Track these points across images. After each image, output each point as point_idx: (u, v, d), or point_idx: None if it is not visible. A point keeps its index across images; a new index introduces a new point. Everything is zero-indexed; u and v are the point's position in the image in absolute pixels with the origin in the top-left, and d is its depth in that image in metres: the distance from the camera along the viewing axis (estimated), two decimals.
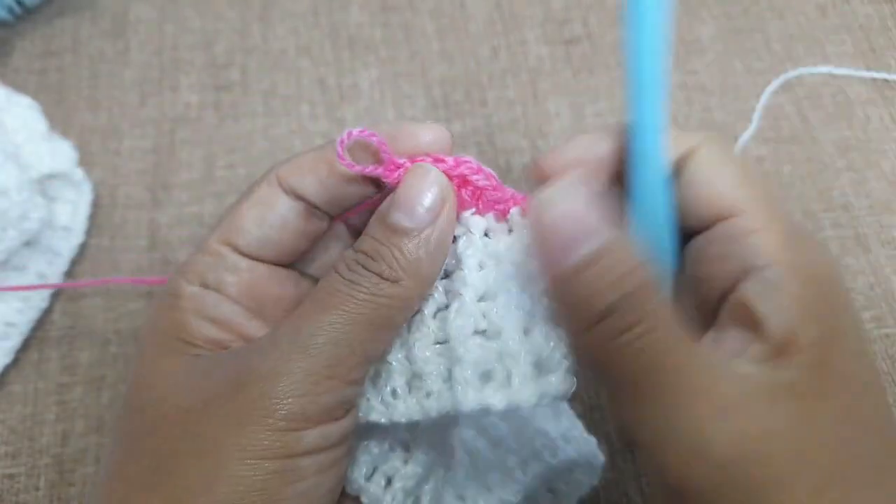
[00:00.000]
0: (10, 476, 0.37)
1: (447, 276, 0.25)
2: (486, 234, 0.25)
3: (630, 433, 0.21)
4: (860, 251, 0.42)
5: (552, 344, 0.23)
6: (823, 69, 0.48)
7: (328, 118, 0.47)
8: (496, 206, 0.25)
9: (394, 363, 0.25)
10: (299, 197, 0.25)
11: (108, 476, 0.23)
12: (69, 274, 0.42)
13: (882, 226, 0.43)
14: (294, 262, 0.27)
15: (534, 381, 0.23)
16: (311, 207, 0.26)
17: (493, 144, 0.46)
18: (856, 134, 0.46)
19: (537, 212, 0.21)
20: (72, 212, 0.42)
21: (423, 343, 0.24)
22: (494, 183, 0.25)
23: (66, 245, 0.42)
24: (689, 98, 0.48)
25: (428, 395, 0.24)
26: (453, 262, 0.25)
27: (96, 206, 0.44)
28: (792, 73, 0.48)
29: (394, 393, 0.24)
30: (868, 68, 0.48)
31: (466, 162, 0.24)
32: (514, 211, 0.25)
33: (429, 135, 0.24)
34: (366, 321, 0.22)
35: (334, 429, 0.22)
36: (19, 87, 0.45)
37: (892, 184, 0.44)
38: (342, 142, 0.24)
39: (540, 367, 0.23)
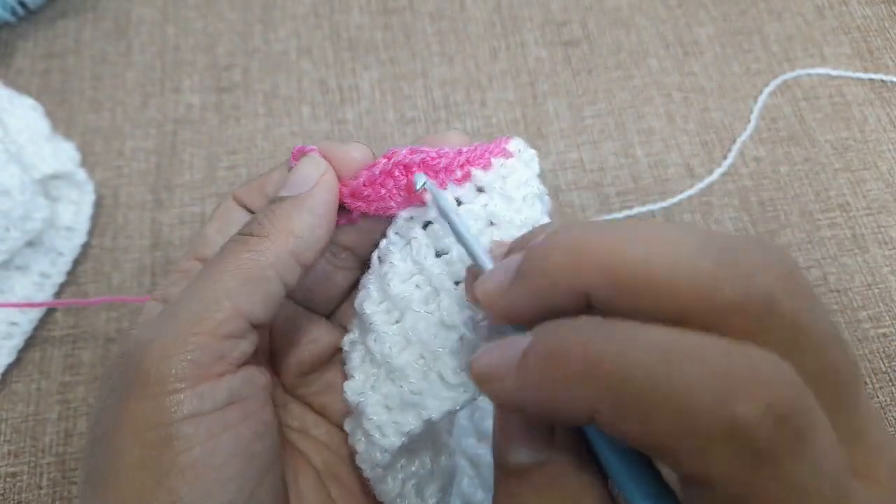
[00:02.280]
0: (13, 475, 0.37)
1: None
2: (458, 202, 0.25)
3: None
4: (858, 251, 0.43)
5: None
6: (821, 70, 0.48)
7: (329, 119, 0.48)
8: (451, 172, 0.24)
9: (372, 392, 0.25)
10: (250, 212, 0.27)
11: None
12: (71, 274, 0.42)
13: (879, 226, 0.43)
14: None
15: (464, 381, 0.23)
16: None
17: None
18: (853, 135, 0.46)
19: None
20: (74, 212, 0.43)
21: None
22: (433, 153, 0.24)
23: (69, 245, 0.42)
24: (687, 99, 0.48)
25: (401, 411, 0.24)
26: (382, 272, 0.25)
27: (99, 206, 0.44)
28: (790, 75, 0.48)
29: (380, 428, 0.24)
30: (865, 69, 0.48)
31: (394, 152, 0.24)
32: (474, 172, 0.25)
33: (357, 153, 0.26)
34: (231, 275, 0.22)
35: (217, 388, 0.21)
36: (22, 88, 0.45)
37: (890, 184, 0.45)
38: (294, 155, 0.26)
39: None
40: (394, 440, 0.23)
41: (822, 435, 0.15)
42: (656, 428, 0.14)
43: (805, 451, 0.14)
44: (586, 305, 0.17)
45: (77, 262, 0.43)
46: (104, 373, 0.25)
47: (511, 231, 0.24)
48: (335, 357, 0.28)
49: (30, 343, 0.40)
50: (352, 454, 0.25)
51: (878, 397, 0.39)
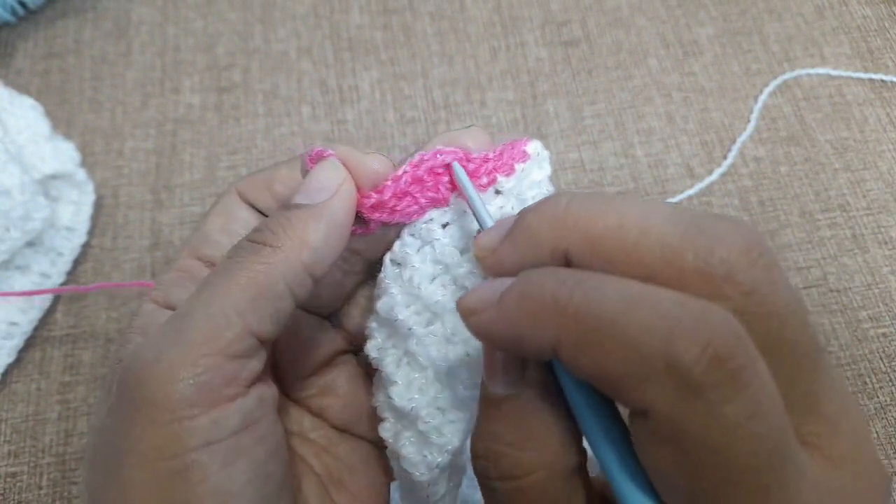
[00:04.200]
0: (13, 475, 0.37)
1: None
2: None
3: None
4: (858, 251, 0.43)
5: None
6: (821, 70, 0.48)
7: (329, 119, 0.48)
8: (478, 178, 0.24)
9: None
10: (259, 210, 0.26)
11: None
12: (71, 274, 0.42)
13: (879, 226, 0.43)
14: None
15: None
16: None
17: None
18: (853, 135, 0.46)
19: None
20: (74, 212, 0.43)
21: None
22: (462, 156, 0.24)
23: (69, 245, 0.42)
24: (687, 99, 0.48)
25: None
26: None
27: (99, 206, 0.44)
28: (789, 75, 0.48)
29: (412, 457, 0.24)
30: (865, 69, 0.48)
31: (422, 157, 0.24)
32: (499, 178, 0.25)
33: (377, 164, 0.24)
34: (241, 290, 0.21)
35: (230, 413, 0.20)
36: (22, 88, 0.46)
37: (890, 184, 0.45)
38: (310, 158, 0.24)
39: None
40: (453, 439, 0.24)
41: (759, 384, 0.16)
42: (607, 362, 0.16)
43: (738, 393, 0.15)
44: (566, 264, 0.19)
45: (77, 262, 0.43)
46: (103, 383, 0.24)
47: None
48: (335, 360, 0.28)
49: (30, 343, 0.40)
50: (363, 461, 0.26)
51: (878, 397, 0.39)
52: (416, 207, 0.24)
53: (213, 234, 0.25)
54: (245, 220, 0.25)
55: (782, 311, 0.17)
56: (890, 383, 0.39)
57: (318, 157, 0.24)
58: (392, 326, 0.25)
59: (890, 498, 0.18)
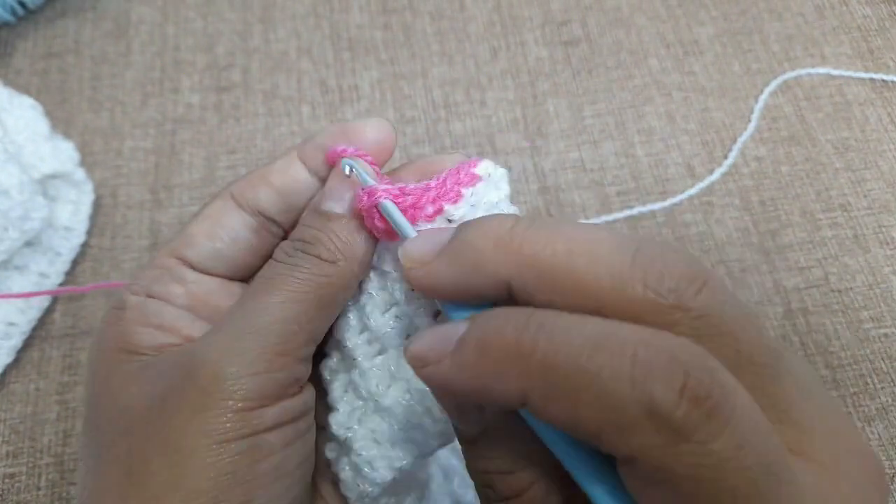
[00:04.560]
0: (12, 475, 0.37)
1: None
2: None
3: None
4: (859, 251, 0.43)
5: None
6: (822, 70, 0.48)
7: (329, 119, 0.48)
8: (422, 209, 0.23)
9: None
10: (256, 211, 0.25)
11: (85, 495, 0.22)
12: (70, 273, 0.42)
13: (880, 226, 0.43)
14: (244, 279, 0.27)
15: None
16: (267, 221, 0.25)
17: (493, 145, 0.46)
18: (854, 134, 0.46)
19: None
20: (73, 212, 0.43)
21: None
22: (396, 191, 0.23)
23: (68, 245, 0.42)
24: (687, 99, 0.48)
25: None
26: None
27: (98, 206, 0.44)
28: (790, 74, 0.48)
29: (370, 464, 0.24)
30: (866, 69, 0.48)
31: (372, 191, 0.23)
32: (446, 207, 0.23)
33: (372, 132, 0.25)
34: (310, 300, 0.22)
35: (294, 403, 0.22)
36: (21, 87, 0.45)
37: (891, 184, 0.45)
38: (329, 158, 0.24)
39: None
40: (385, 474, 0.23)
41: (741, 412, 0.15)
42: (582, 412, 0.16)
43: (723, 428, 0.15)
44: (506, 294, 0.18)
45: (76, 262, 0.43)
46: (90, 371, 0.24)
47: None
48: None
49: (28, 343, 0.40)
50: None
51: (880, 398, 0.39)
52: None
53: (198, 238, 0.25)
54: (233, 227, 0.25)
55: (732, 328, 0.17)
56: (891, 384, 0.39)
57: (337, 157, 0.24)
58: (343, 352, 0.25)
59: (883, 492, 0.18)
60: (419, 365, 0.18)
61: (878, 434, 0.38)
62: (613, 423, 0.15)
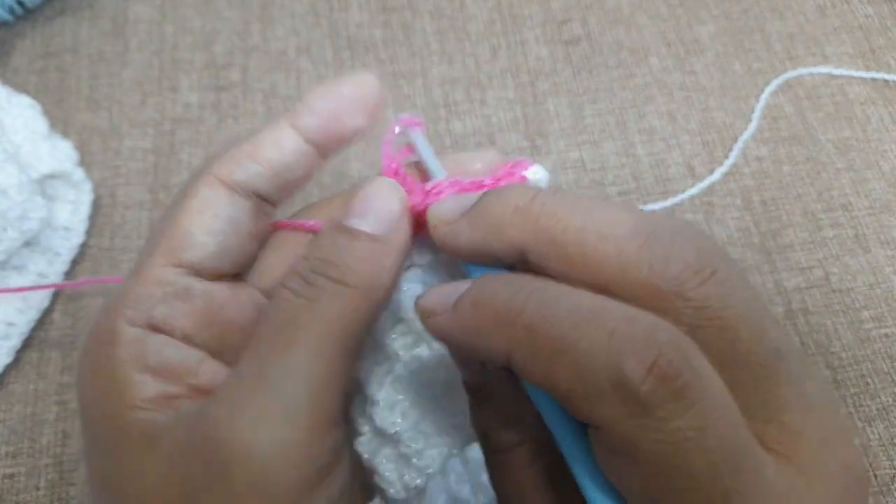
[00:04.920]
0: (11, 476, 0.37)
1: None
2: None
3: None
4: (860, 251, 0.42)
5: None
6: (823, 69, 0.48)
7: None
8: None
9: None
10: (250, 193, 0.22)
11: None
12: (69, 274, 0.42)
13: (882, 226, 0.43)
14: (243, 271, 0.24)
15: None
16: (260, 201, 0.22)
17: (493, 144, 0.46)
18: (855, 134, 0.46)
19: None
20: (72, 212, 0.42)
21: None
22: (465, 184, 0.23)
23: (66, 245, 0.42)
24: (688, 98, 0.48)
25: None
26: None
27: (96, 206, 0.44)
28: (791, 74, 0.48)
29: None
30: (868, 68, 0.48)
31: (436, 185, 0.22)
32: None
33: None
34: (338, 344, 0.20)
35: (339, 473, 0.20)
36: (19, 87, 0.45)
37: (893, 184, 0.44)
38: (394, 127, 0.24)
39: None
40: (434, 463, 0.24)
41: (709, 398, 0.16)
42: (558, 375, 0.16)
43: (687, 409, 0.16)
44: (521, 260, 0.19)
45: (75, 263, 0.42)
46: (83, 419, 0.21)
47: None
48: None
49: (27, 344, 0.40)
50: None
51: (880, 398, 0.38)
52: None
53: (198, 236, 0.21)
54: (232, 216, 0.22)
55: (734, 323, 0.17)
56: (892, 384, 0.39)
57: (405, 126, 0.24)
58: (374, 343, 0.25)
59: (864, 500, 0.18)
60: (424, 316, 0.19)
61: (879, 434, 0.38)
62: (583, 390, 0.16)
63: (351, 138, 0.24)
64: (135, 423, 0.19)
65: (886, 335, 0.40)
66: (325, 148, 0.23)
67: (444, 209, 0.21)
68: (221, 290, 0.22)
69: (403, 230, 0.22)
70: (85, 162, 0.45)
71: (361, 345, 0.22)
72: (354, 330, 0.20)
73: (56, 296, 0.41)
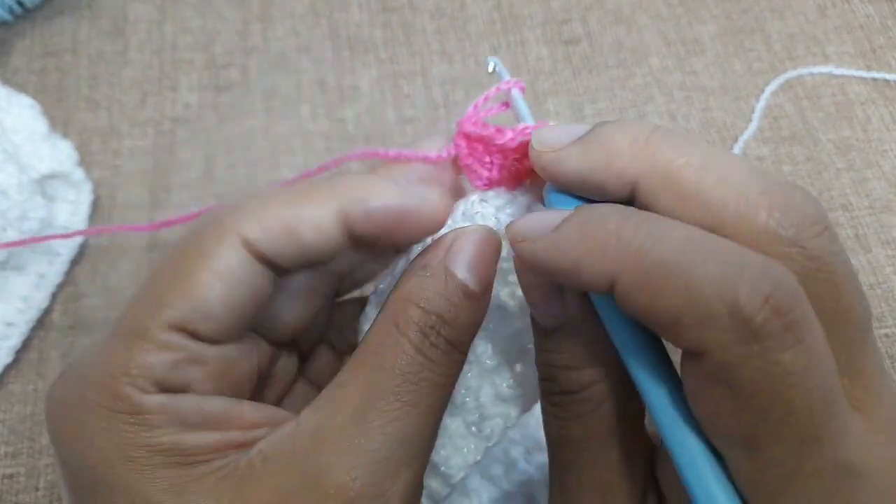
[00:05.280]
0: (10, 476, 0.37)
1: None
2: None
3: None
4: (860, 251, 0.42)
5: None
6: (823, 69, 0.48)
7: (328, 118, 0.47)
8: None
9: None
10: (268, 260, 0.20)
11: None
12: (69, 274, 0.42)
13: (882, 226, 0.43)
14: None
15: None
16: (281, 269, 0.21)
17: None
18: (856, 134, 0.46)
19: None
20: (71, 212, 0.42)
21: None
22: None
23: (66, 245, 0.42)
24: (688, 98, 0.48)
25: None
26: None
27: (96, 206, 0.44)
28: (792, 73, 0.48)
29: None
30: (868, 68, 0.48)
31: (525, 129, 0.22)
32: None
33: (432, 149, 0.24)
34: (440, 408, 0.20)
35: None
36: (19, 86, 0.45)
37: (893, 184, 0.44)
38: (472, 112, 0.23)
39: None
40: (459, 472, 0.24)
41: (814, 340, 0.16)
42: (665, 301, 0.16)
43: (795, 343, 0.16)
44: (628, 197, 0.19)
45: (74, 263, 0.42)
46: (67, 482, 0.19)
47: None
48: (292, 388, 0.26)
49: (27, 344, 0.40)
50: None
51: None
52: (480, 175, 0.23)
53: (215, 307, 0.19)
54: (253, 285, 0.20)
55: (839, 281, 0.17)
56: (893, 383, 0.39)
57: (512, 87, 0.24)
58: None
59: None
60: (518, 239, 0.19)
61: None
62: (693, 314, 0.16)
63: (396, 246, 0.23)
64: (200, 477, 0.18)
65: (887, 335, 0.40)
66: (364, 244, 0.22)
67: (551, 136, 0.20)
68: (231, 350, 0.21)
69: (491, 291, 0.22)
70: (85, 162, 0.45)
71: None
72: (447, 394, 0.21)
73: (55, 296, 0.41)
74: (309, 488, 0.18)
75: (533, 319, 0.21)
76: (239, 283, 0.20)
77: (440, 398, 0.20)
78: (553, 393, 0.20)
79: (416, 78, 0.49)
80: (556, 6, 0.51)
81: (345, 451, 0.18)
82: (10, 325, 0.39)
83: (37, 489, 0.37)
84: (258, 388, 0.23)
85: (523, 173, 0.23)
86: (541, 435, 0.30)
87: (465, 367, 0.23)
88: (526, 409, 0.24)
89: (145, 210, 0.44)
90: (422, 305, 0.20)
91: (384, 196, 0.21)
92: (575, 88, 0.48)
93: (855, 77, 0.48)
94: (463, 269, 0.21)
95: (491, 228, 0.22)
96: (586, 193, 0.20)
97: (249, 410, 0.20)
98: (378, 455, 0.18)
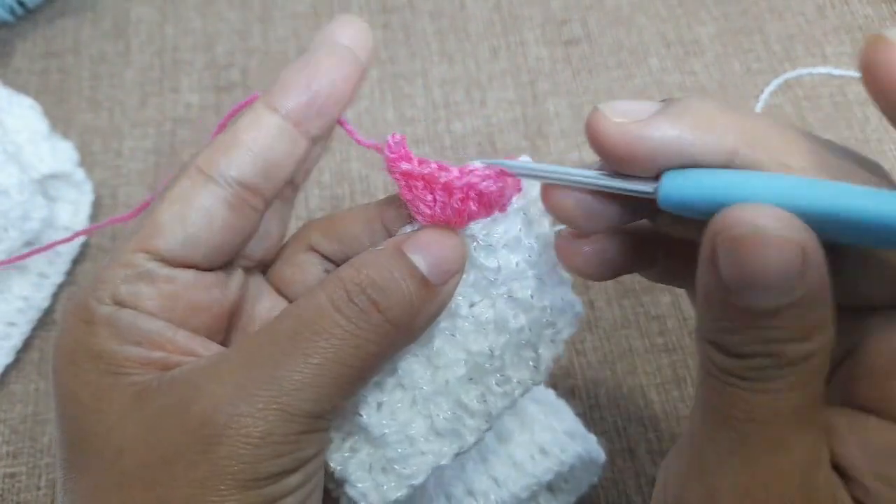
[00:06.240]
0: (12, 475, 0.37)
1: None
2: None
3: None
4: None
5: (530, 337, 0.23)
6: (822, 70, 0.48)
7: None
8: (499, 202, 0.24)
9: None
10: (231, 181, 0.22)
11: None
12: (70, 274, 0.42)
13: None
14: (223, 264, 0.24)
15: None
16: (245, 191, 0.22)
17: (492, 145, 0.46)
18: (854, 134, 0.46)
19: (736, 236, 0.17)
20: (73, 212, 0.43)
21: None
22: (498, 184, 0.23)
23: (67, 245, 0.42)
24: None
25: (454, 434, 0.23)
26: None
27: (97, 206, 0.44)
28: (791, 74, 0.48)
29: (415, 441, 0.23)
30: None
31: (471, 171, 0.23)
32: (515, 200, 0.24)
33: (347, 32, 0.23)
34: (354, 373, 0.20)
35: (313, 465, 0.21)
36: (21, 87, 0.45)
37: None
38: (389, 146, 0.23)
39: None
40: (419, 474, 0.23)
41: None
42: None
43: None
44: (722, 164, 0.19)
45: (75, 262, 0.43)
46: (55, 380, 0.21)
47: (523, 253, 0.24)
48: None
49: (28, 344, 0.40)
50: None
51: None
52: (422, 211, 0.23)
53: (167, 224, 0.21)
54: (206, 206, 0.21)
55: None
56: None
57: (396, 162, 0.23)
58: None
59: None
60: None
61: None
62: None
63: (335, 111, 0.23)
64: (119, 386, 0.20)
65: None
66: (310, 126, 0.22)
67: (628, 107, 0.19)
68: (186, 275, 0.22)
69: (452, 287, 0.22)
70: (86, 162, 0.45)
71: (372, 374, 0.22)
72: (375, 363, 0.21)
73: (56, 296, 0.42)
74: (179, 411, 0.19)
75: (732, 309, 0.18)
76: (189, 204, 0.22)
77: (346, 357, 0.20)
78: (769, 368, 0.18)
79: (416, 78, 0.49)
80: (555, 7, 0.51)
81: (221, 384, 0.20)
82: (11, 324, 0.39)
83: (38, 488, 0.37)
84: (233, 323, 0.24)
85: (470, 213, 0.23)
86: (545, 440, 0.30)
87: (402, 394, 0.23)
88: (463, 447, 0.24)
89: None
90: (356, 266, 0.21)
91: (299, 66, 0.22)
92: (575, 89, 0.48)
93: (854, 78, 0.48)
94: (415, 251, 0.21)
95: (457, 233, 0.23)
96: (673, 163, 0.19)
97: (183, 338, 0.22)
98: (247, 391, 0.19)
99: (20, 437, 0.38)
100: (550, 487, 0.32)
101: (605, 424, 0.37)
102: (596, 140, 0.19)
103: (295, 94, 0.22)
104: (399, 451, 0.23)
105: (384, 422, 0.23)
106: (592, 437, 0.32)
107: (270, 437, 0.19)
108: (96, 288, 0.21)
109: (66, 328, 0.22)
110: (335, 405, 0.20)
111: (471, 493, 0.29)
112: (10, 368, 0.39)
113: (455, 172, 0.22)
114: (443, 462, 0.23)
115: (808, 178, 0.18)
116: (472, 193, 0.22)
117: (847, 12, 0.50)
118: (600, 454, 0.32)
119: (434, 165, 0.22)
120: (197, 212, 0.22)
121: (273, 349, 0.20)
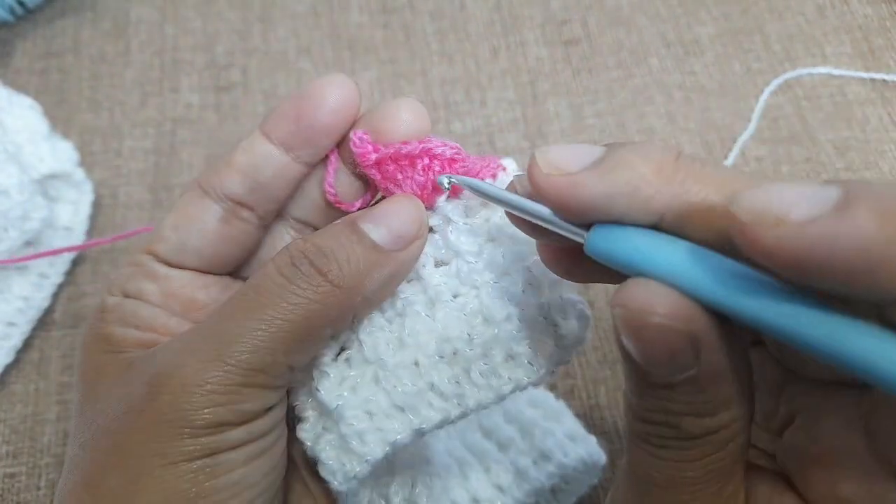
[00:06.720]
0: (12, 475, 0.37)
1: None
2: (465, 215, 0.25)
3: None
4: None
5: (522, 332, 0.23)
6: (822, 70, 0.48)
7: None
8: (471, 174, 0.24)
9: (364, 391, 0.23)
10: (223, 197, 0.25)
11: (59, 484, 0.23)
12: (70, 274, 0.42)
13: None
14: (228, 270, 0.26)
15: (508, 370, 0.23)
16: (237, 206, 0.25)
17: (492, 144, 0.46)
18: (854, 134, 0.46)
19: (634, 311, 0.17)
20: (73, 212, 0.43)
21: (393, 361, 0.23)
22: (463, 154, 0.24)
23: (67, 245, 0.42)
24: (688, 98, 0.48)
25: (425, 405, 0.23)
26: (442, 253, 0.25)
27: (97, 206, 0.44)
28: (791, 74, 0.48)
29: (376, 416, 0.23)
30: (867, 69, 0.48)
31: (428, 140, 0.24)
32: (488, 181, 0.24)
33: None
34: (294, 329, 0.21)
35: (260, 424, 0.22)
36: (20, 87, 0.45)
37: None
38: (354, 143, 0.24)
39: (513, 356, 0.23)
40: (375, 450, 0.22)
41: None
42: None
43: None
44: (652, 226, 0.18)
45: (75, 263, 0.43)
46: (80, 383, 0.24)
47: (508, 245, 0.24)
48: None
49: (28, 344, 0.40)
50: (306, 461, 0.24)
51: None
52: (402, 191, 0.24)
53: (165, 231, 0.25)
54: (199, 217, 0.25)
55: None
56: None
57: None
58: None
59: None
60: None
61: None
62: None
63: (323, 139, 0.25)
64: (115, 361, 0.23)
65: None
66: (299, 149, 0.25)
67: (561, 156, 0.19)
68: (183, 275, 0.25)
69: (410, 253, 0.23)
70: (86, 162, 0.45)
71: (319, 341, 0.23)
72: (318, 322, 0.21)
73: (56, 296, 0.42)
74: (142, 372, 0.22)
75: (640, 379, 0.18)
76: (184, 214, 0.25)
77: (286, 314, 0.21)
78: (668, 438, 0.19)
79: (416, 78, 0.49)
80: (555, 7, 0.51)
81: (177, 343, 0.22)
82: (11, 324, 0.39)
83: (38, 488, 0.37)
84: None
85: (435, 186, 0.24)
86: (546, 444, 0.30)
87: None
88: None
89: (146, 210, 0.44)
90: (307, 237, 0.23)
91: (292, 96, 0.25)
92: (575, 89, 0.48)
93: (854, 77, 0.48)
94: (368, 220, 0.22)
95: (412, 199, 0.23)
96: (600, 220, 0.18)
97: (176, 323, 0.25)
98: (192, 346, 0.21)
99: (20, 437, 0.38)
100: (551, 489, 0.32)
101: (605, 425, 0.37)
102: (532, 187, 0.19)
103: (284, 124, 0.24)
104: (355, 425, 0.22)
105: (338, 394, 0.23)
106: (593, 439, 0.32)
107: (207, 385, 0.20)
108: (111, 283, 0.25)
109: (90, 316, 0.25)
110: (276, 360, 0.21)
111: (475, 501, 0.29)
112: (10, 368, 0.39)
113: (414, 143, 0.24)
114: (399, 438, 0.22)
115: (721, 256, 0.17)
116: (430, 162, 0.23)
117: (847, 12, 0.50)
118: (601, 456, 0.32)
119: (397, 144, 0.24)
120: (190, 221, 0.25)
121: (221, 310, 0.22)
